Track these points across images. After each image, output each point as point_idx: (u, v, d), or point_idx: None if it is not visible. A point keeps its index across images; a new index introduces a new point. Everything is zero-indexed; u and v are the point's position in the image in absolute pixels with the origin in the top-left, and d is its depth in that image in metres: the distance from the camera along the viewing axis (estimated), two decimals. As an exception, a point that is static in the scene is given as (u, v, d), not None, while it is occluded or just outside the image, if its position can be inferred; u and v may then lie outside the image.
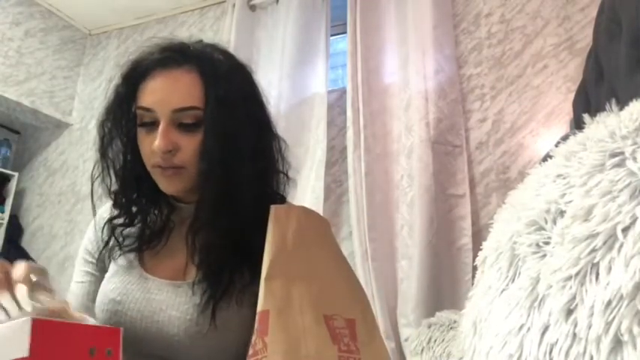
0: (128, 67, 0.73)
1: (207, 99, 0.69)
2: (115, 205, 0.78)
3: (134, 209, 0.78)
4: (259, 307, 0.54)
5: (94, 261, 0.81)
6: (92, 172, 0.75)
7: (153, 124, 0.70)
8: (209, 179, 0.69)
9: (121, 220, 0.78)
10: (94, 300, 0.77)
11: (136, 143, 0.73)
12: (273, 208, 0.63)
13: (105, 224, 0.79)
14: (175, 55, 0.71)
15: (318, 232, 0.66)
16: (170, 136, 0.68)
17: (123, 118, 0.73)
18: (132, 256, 0.77)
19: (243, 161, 0.69)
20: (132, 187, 0.77)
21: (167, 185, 0.72)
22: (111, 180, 0.75)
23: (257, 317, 0.53)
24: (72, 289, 0.82)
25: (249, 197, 0.69)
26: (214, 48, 0.76)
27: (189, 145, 0.69)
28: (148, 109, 0.69)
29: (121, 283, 0.74)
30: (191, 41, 0.76)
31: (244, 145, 0.70)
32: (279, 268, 0.57)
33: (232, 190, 0.69)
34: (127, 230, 0.78)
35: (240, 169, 0.69)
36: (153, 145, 0.68)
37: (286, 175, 0.79)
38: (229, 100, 0.69)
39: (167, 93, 0.69)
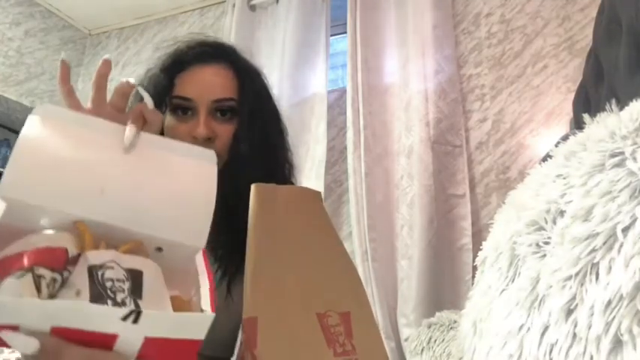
0: (166, 59, 0.78)
1: (242, 91, 0.76)
2: None
3: None
4: (245, 313, 0.49)
5: None
6: None
7: (186, 114, 0.75)
8: (245, 163, 0.73)
9: None
10: None
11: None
12: (255, 187, 0.55)
13: None
14: (213, 51, 0.79)
15: (307, 213, 0.61)
16: (210, 125, 0.74)
17: (160, 109, 0.77)
18: None
19: (274, 150, 0.79)
20: None
21: None
22: None
23: (243, 325, 0.49)
24: None
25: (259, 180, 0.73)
26: (239, 50, 0.84)
27: (225, 133, 0.75)
28: (187, 99, 0.74)
29: None
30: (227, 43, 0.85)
31: (273, 135, 0.79)
32: (266, 264, 0.52)
33: (267, 175, 0.73)
34: None
35: (271, 157, 0.78)
36: (193, 132, 0.72)
37: (291, 164, 0.85)
38: (258, 93, 0.79)
39: (208, 84, 0.75)
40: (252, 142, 0.75)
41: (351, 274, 0.62)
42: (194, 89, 0.75)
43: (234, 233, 0.71)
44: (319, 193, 0.65)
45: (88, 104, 0.53)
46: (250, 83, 0.78)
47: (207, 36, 0.83)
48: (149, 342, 0.36)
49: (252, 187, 0.56)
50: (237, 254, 0.70)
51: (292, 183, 0.84)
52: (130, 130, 0.46)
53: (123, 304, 0.37)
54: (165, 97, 0.76)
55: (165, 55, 0.79)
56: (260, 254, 0.53)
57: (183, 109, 0.75)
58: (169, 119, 0.76)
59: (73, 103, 0.52)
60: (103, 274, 0.38)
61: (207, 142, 0.73)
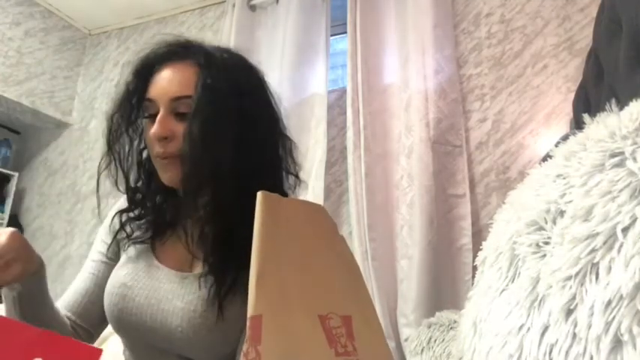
0: (137, 63, 0.77)
1: (196, 86, 0.71)
2: (128, 199, 0.81)
3: (148, 204, 0.81)
4: (251, 311, 0.51)
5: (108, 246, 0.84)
6: (99, 164, 0.77)
7: (156, 115, 0.72)
8: (191, 162, 0.69)
9: (132, 214, 0.80)
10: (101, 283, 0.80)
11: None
12: (260, 194, 0.57)
13: (114, 216, 0.82)
14: (179, 50, 0.76)
15: (312, 220, 0.63)
16: (166, 124, 0.71)
17: (132, 113, 0.76)
18: (142, 246, 0.79)
19: (227, 149, 0.69)
20: (144, 182, 0.80)
21: (163, 174, 0.74)
22: (117, 173, 0.78)
23: (248, 322, 0.50)
24: (85, 266, 0.85)
25: (235, 188, 0.69)
26: (223, 49, 0.79)
27: (180, 132, 0.71)
28: (150, 100, 0.73)
29: (133, 269, 0.76)
30: (204, 42, 0.79)
31: (229, 133, 0.70)
32: (271, 266, 0.54)
33: (217, 177, 0.69)
34: (137, 222, 0.81)
35: (224, 157, 0.69)
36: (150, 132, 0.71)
37: (296, 175, 0.80)
38: (217, 88, 0.71)
39: (167, 83, 0.73)
40: (195, 140, 0.68)
41: (355, 278, 0.63)
42: (155, 90, 0.73)
43: (223, 243, 0.70)
44: (323, 207, 0.66)
45: None
46: (210, 78, 0.71)
47: (178, 37, 0.79)
48: None
49: (259, 194, 0.57)
50: (230, 266, 0.69)
51: (287, 195, 0.78)
52: None
53: None
54: (137, 102, 0.76)
55: (137, 60, 0.78)
56: (265, 257, 0.54)
57: (153, 112, 0.73)
58: (145, 124, 0.75)
59: None
60: None
61: (164, 141, 0.71)
